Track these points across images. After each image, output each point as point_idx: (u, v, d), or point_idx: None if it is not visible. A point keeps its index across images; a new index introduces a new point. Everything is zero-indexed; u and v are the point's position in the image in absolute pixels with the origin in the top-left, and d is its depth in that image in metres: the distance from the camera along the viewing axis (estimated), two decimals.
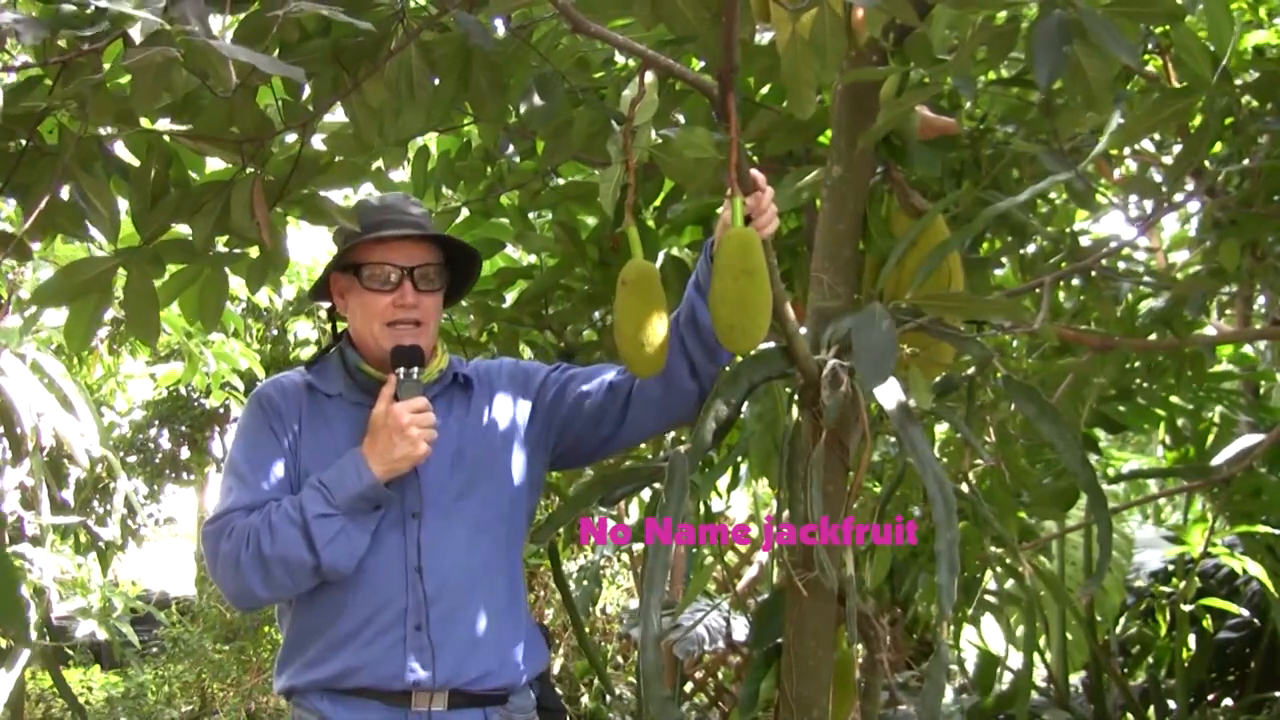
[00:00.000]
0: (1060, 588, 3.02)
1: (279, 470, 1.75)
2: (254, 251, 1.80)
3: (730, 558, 4.67)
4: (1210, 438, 3.47)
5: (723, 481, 3.26)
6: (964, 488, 2.12)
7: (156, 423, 6.71)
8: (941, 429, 2.96)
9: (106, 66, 1.38)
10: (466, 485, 1.80)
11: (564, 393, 1.90)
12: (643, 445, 2.72)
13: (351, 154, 1.79)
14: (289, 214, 1.70)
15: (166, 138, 1.61)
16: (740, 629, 3.78)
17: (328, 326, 2.04)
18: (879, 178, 1.96)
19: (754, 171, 1.61)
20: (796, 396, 1.85)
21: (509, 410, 1.90)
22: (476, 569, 1.77)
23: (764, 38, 2.11)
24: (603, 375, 1.89)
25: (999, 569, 2.63)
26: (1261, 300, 3.27)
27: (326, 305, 1.93)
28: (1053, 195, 2.50)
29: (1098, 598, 3.47)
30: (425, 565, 1.74)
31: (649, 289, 1.56)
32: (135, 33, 1.17)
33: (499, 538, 1.82)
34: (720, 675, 4.63)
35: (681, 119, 2.25)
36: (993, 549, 2.44)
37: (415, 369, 1.75)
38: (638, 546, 4.47)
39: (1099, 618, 3.60)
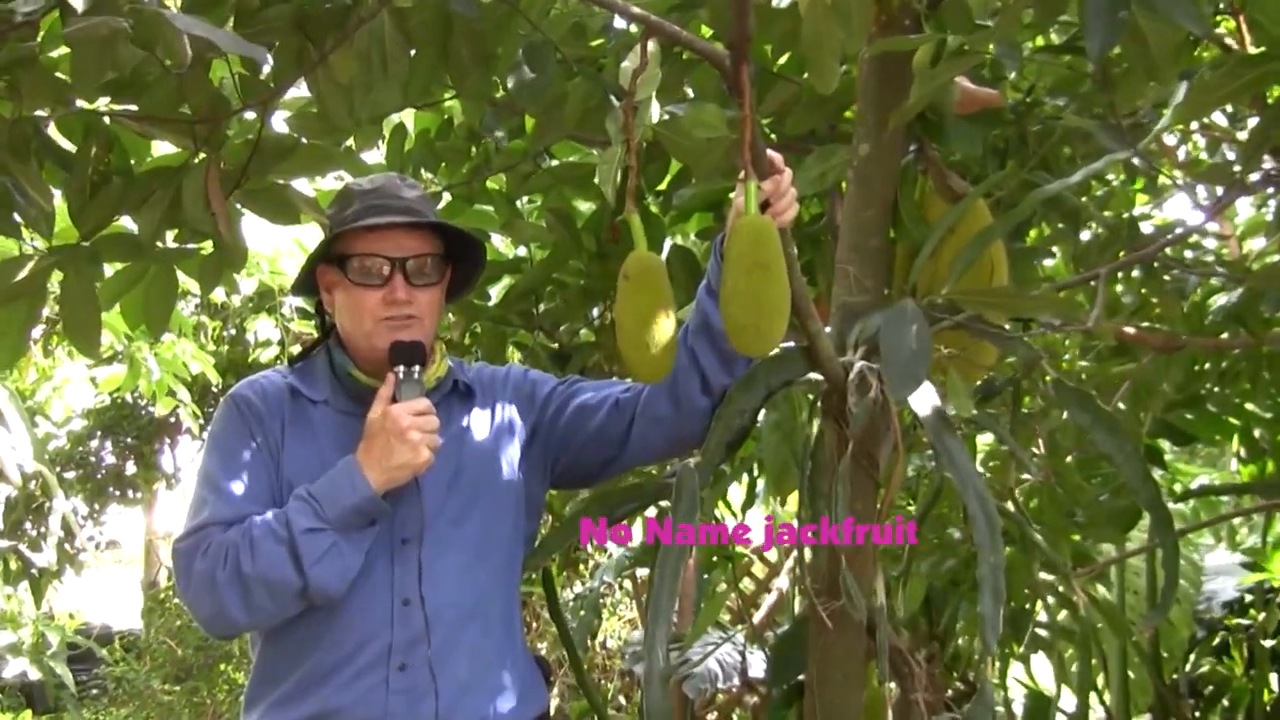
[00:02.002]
0: (1120, 620, 3.02)
1: (260, 481, 1.76)
2: (207, 246, 1.81)
3: (746, 584, 4.68)
4: None
5: (737, 500, 3.26)
6: (1010, 506, 2.13)
7: (98, 434, 6.73)
8: (984, 440, 2.96)
9: (41, 38, 1.40)
10: (465, 508, 1.81)
11: (566, 408, 1.91)
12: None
13: (318, 136, 1.80)
14: (247, 206, 1.71)
15: (107, 119, 1.62)
16: (757, 665, 3.78)
17: (291, 325, 2.06)
18: (912, 157, 1.96)
19: (771, 152, 1.62)
20: (819, 403, 1.86)
21: (513, 425, 1.91)
22: (472, 603, 1.78)
23: (782, 1, 2.12)
24: (609, 391, 1.91)
25: (1050, 599, 2.63)
26: None
27: (310, 299, 1.93)
28: (1109, 177, 2.51)
29: (1163, 631, 3.47)
30: (415, 597, 1.74)
31: (653, 283, 1.56)
32: (76, 0, 1.18)
33: (497, 567, 1.83)
34: (735, 717, 4.64)
35: (690, 93, 2.26)
36: (1043, 576, 2.45)
37: (416, 367, 1.77)
38: (641, 572, 4.49)
39: (1164, 654, 3.59)
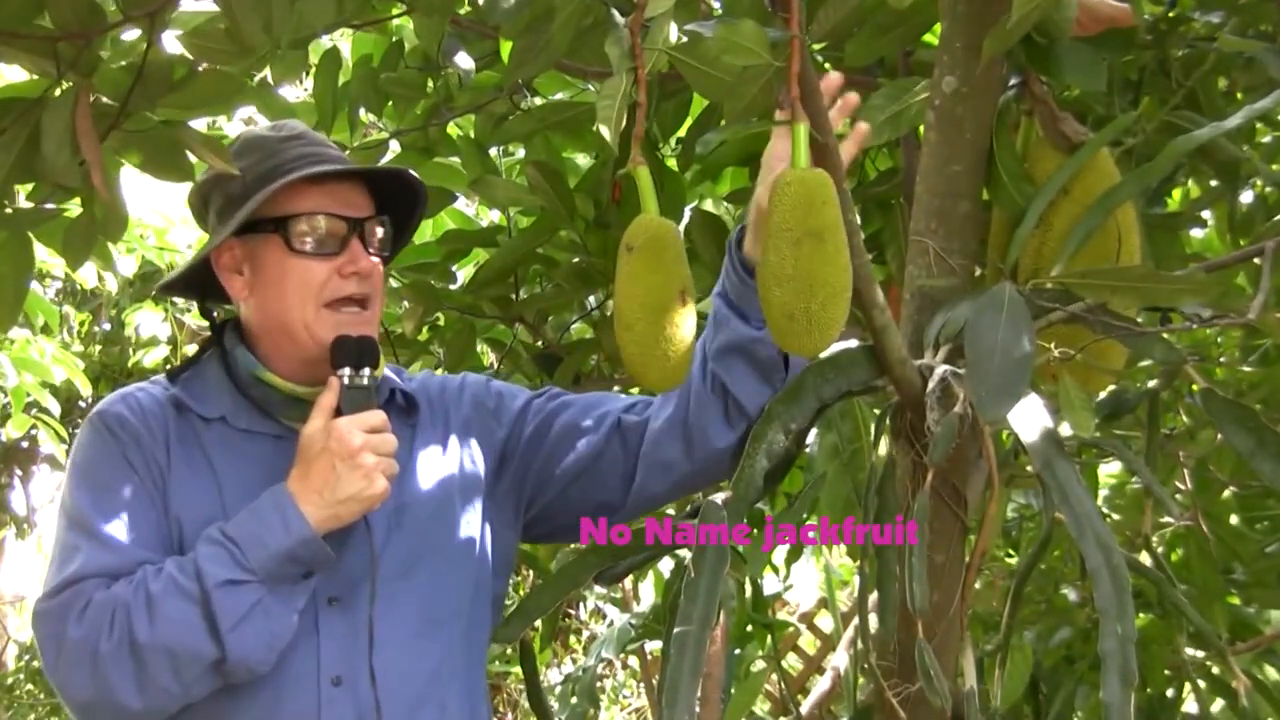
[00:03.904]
0: None
1: (147, 520, 1.76)
2: (74, 208, 1.81)
3: (792, 662, 4.69)
4: None
5: (780, 548, 3.26)
6: (1145, 559, 2.13)
7: None
8: (1109, 470, 2.96)
9: None
10: (411, 559, 1.82)
11: (547, 432, 1.93)
12: None
13: (223, 62, 1.80)
14: (127, 154, 1.71)
15: None
16: None
17: (186, 319, 2.07)
18: (1013, 95, 1.97)
19: (830, 76, 1.62)
20: (888, 421, 1.86)
21: (471, 452, 1.92)
22: (423, 681, 1.79)
23: None
24: (607, 409, 1.92)
25: (1201, 682, 2.63)
26: None
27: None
28: None
29: None
30: (349, 675, 1.75)
31: (665, 257, 1.56)
32: None
33: (454, 636, 1.84)
34: None
35: (717, 7, 2.26)
36: (1190, 651, 2.44)
37: (367, 370, 1.78)
38: (653, 646, 4.49)
39: None
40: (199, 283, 1.92)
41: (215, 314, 1.96)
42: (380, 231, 1.86)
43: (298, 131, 1.88)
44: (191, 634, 1.65)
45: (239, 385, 1.85)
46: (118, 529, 1.74)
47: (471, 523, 1.88)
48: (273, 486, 1.72)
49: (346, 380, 1.76)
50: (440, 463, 1.90)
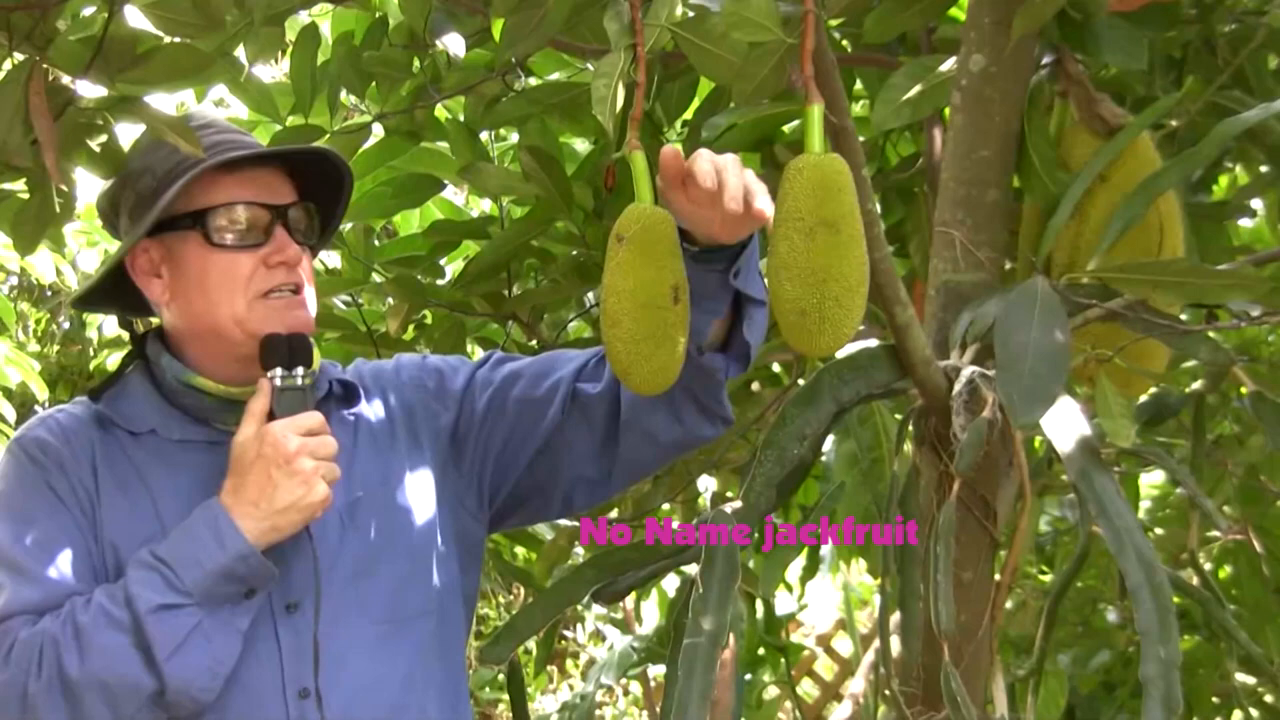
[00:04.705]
0: None
1: (75, 551, 1.75)
2: (25, 191, 1.81)
3: (807, 689, 4.69)
4: None
5: (794, 565, 3.27)
6: (1190, 576, 2.13)
7: None
8: (1151, 480, 2.96)
9: None
10: (368, 557, 1.82)
11: (501, 412, 1.92)
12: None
13: (191, 36, 1.80)
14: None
15: None
16: None
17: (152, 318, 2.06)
18: (1046, 75, 1.97)
19: (667, 151, 1.60)
20: (911, 427, 1.86)
21: (417, 433, 1.92)
22: (396, 686, 1.79)
23: None
24: (558, 375, 1.90)
25: (1251, 710, 2.63)
26: None
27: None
28: None
29: None
30: (316, 684, 1.75)
31: (659, 250, 1.56)
32: None
33: (424, 636, 1.84)
34: None
35: None
36: (1240, 677, 2.44)
37: (300, 369, 1.78)
38: (655, 671, 4.49)
39: None
40: (118, 294, 1.91)
41: (136, 325, 1.95)
42: (306, 218, 1.86)
43: (207, 120, 1.87)
44: (125, 665, 1.65)
45: (167, 395, 1.84)
46: (43, 562, 1.73)
47: (430, 513, 1.88)
48: (205, 501, 1.72)
49: (279, 381, 1.76)
50: (388, 452, 1.90)
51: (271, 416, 1.74)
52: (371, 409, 1.93)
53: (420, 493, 1.89)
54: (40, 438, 1.82)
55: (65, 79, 1.65)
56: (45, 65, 1.57)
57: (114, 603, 1.67)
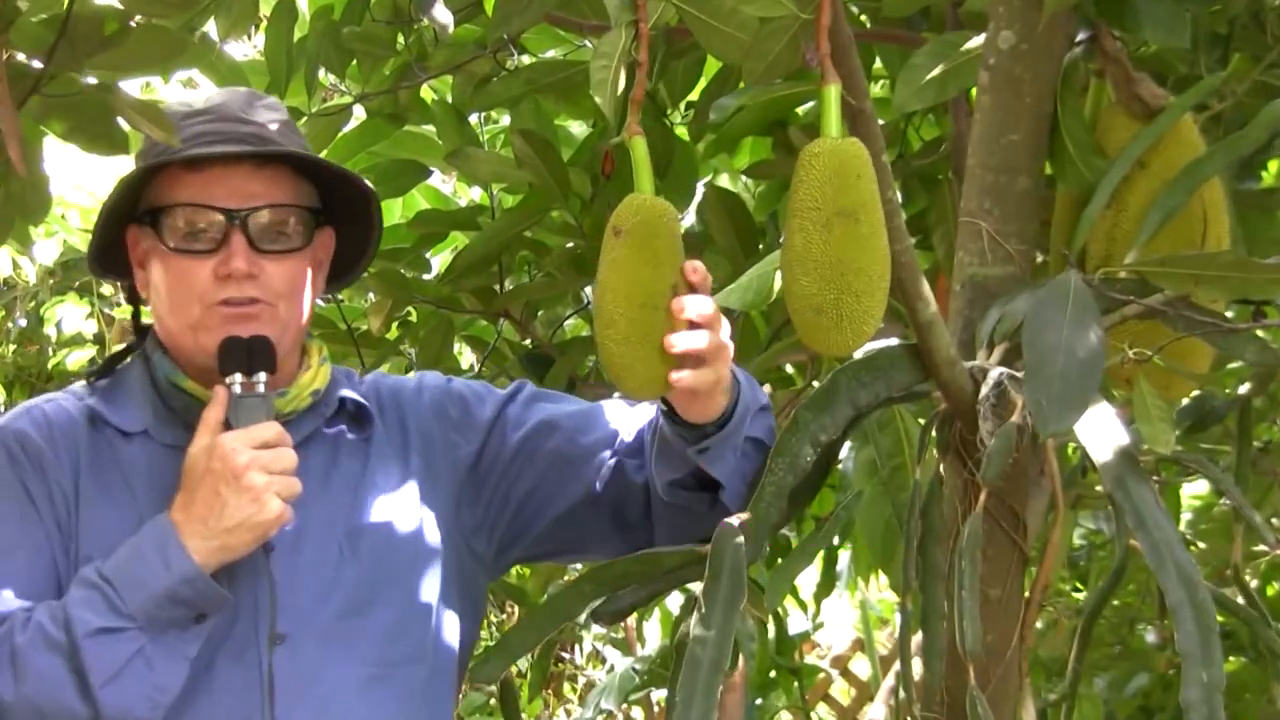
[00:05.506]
0: None
1: (36, 559, 1.76)
2: None
3: (822, 713, 4.69)
4: None
5: (809, 580, 3.27)
6: (1234, 594, 2.13)
7: None
8: (1193, 491, 2.96)
9: None
10: (367, 591, 1.83)
11: (531, 462, 1.92)
12: None
13: (161, 14, 1.81)
14: (50, 122, 1.71)
15: None
16: None
17: (116, 312, 2.07)
18: (1081, 53, 1.97)
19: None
20: (935, 433, 1.86)
21: (435, 469, 1.93)
22: None
23: None
24: (600, 437, 1.91)
25: None
26: None
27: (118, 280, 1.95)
28: None
29: None
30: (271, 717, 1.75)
31: (659, 245, 1.57)
32: None
33: (414, 684, 1.84)
34: None
35: None
36: None
37: (261, 375, 1.78)
38: (658, 695, 4.50)
39: None
40: (124, 265, 1.92)
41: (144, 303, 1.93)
42: (281, 223, 1.82)
43: (215, 104, 1.85)
44: (59, 691, 1.66)
45: (161, 394, 1.85)
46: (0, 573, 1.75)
47: (435, 554, 1.88)
48: (155, 517, 1.72)
49: (237, 389, 1.75)
50: (399, 482, 1.90)
51: (228, 426, 1.74)
52: (386, 432, 1.92)
53: (428, 530, 1.89)
54: (21, 431, 1.82)
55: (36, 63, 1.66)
56: (4, 49, 1.58)
57: (54, 623, 1.68)
